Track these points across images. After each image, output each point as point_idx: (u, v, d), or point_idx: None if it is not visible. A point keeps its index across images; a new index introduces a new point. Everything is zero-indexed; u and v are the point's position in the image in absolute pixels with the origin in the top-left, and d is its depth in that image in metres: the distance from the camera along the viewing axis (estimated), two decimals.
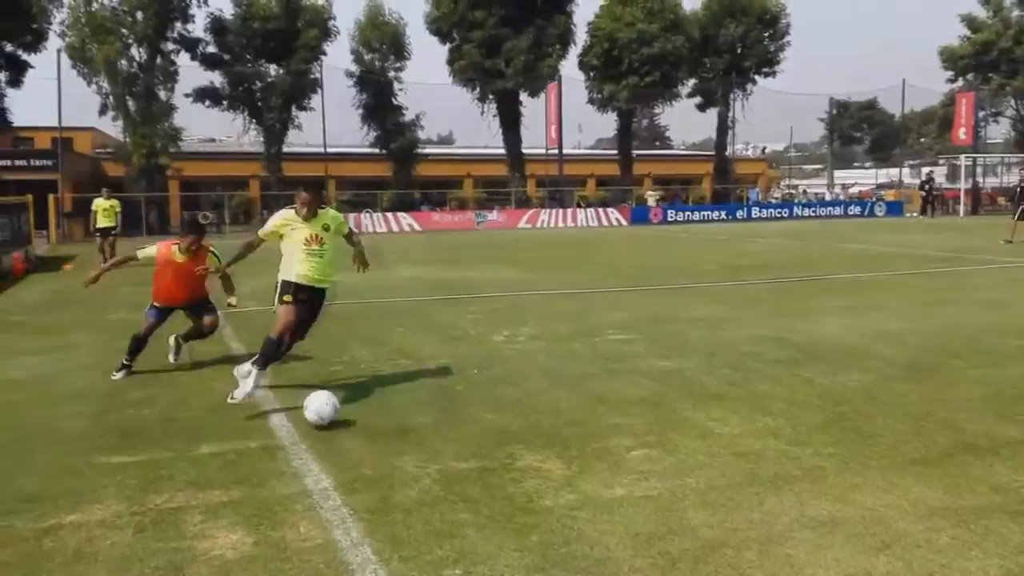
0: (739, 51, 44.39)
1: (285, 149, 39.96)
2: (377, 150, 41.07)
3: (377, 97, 40.29)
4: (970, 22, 47.33)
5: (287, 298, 6.12)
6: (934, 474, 4.42)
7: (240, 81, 38.03)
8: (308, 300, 6.25)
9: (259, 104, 38.27)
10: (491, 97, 41.73)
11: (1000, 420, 5.38)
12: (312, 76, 38.77)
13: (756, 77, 45.48)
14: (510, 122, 42.29)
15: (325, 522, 3.91)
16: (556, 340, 8.54)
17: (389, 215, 36.22)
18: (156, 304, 7.41)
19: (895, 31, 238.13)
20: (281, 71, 38.08)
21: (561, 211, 38.32)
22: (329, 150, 40.31)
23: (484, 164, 47.28)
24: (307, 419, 5.38)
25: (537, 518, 3.91)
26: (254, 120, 38.70)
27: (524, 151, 43.09)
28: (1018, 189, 22.68)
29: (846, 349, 7.77)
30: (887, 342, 8.06)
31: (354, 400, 6.17)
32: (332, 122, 40.09)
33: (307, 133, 40.83)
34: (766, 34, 44.72)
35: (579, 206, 40.74)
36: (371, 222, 35.09)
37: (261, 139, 39.41)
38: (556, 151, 40.71)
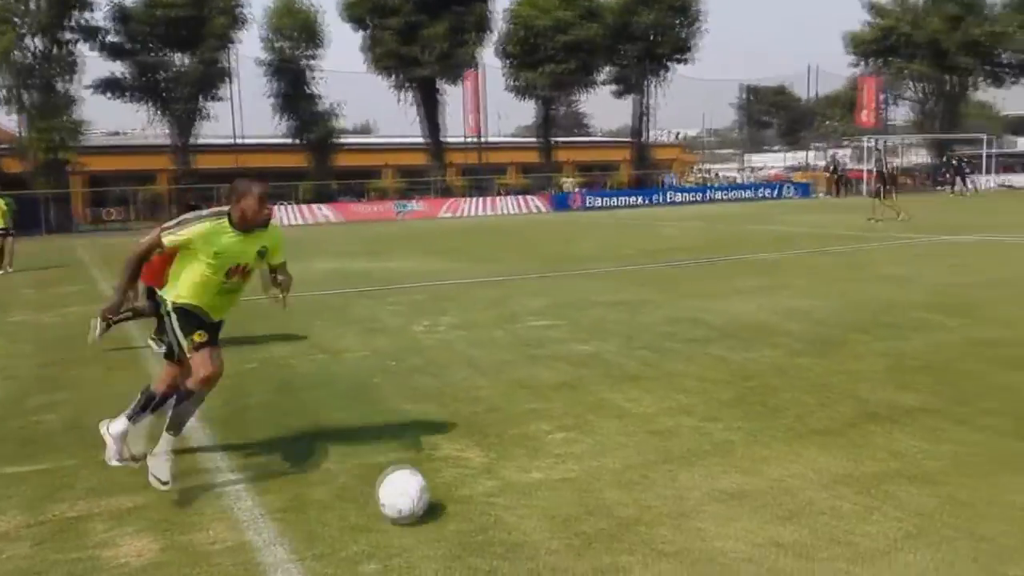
0: (653, 38, 45.02)
1: (196, 141, 38.71)
2: (293, 140, 40.19)
3: (292, 86, 39.38)
4: (876, 8, 49.07)
5: (200, 336, 4.29)
6: (838, 443, 4.59)
7: (145, 71, 36.64)
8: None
9: (165, 95, 36.96)
10: (409, 85, 41.32)
11: (901, 390, 5.62)
12: (222, 65, 37.63)
13: (670, 64, 46.22)
14: (429, 110, 41.96)
15: (237, 523, 3.81)
16: (476, 328, 8.54)
17: (305, 207, 35.46)
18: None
19: (803, 17, 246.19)
20: (190, 60, 36.83)
21: (482, 199, 38.25)
22: (243, 141, 39.20)
23: (404, 153, 46.75)
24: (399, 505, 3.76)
25: (456, 507, 3.90)
26: (161, 111, 37.37)
27: (444, 139, 42.82)
28: (884, 171, 24.01)
29: (757, 327, 8.00)
30: (796, 319, 8.33)
31: (269, 398, 6.04)
32: (246, 112, 39.00)
33: (220, 124, 39.65)
34: (678, 20, 45.46)
35: (499, 193, 40.75)
36: (287, 214, 34.35)
37: (169, 131, 38.09)
38: (475, 139, 40.62)
